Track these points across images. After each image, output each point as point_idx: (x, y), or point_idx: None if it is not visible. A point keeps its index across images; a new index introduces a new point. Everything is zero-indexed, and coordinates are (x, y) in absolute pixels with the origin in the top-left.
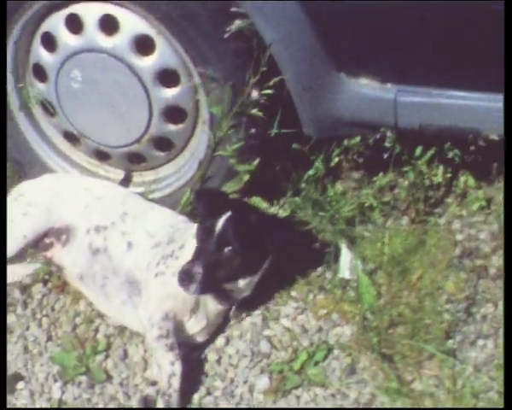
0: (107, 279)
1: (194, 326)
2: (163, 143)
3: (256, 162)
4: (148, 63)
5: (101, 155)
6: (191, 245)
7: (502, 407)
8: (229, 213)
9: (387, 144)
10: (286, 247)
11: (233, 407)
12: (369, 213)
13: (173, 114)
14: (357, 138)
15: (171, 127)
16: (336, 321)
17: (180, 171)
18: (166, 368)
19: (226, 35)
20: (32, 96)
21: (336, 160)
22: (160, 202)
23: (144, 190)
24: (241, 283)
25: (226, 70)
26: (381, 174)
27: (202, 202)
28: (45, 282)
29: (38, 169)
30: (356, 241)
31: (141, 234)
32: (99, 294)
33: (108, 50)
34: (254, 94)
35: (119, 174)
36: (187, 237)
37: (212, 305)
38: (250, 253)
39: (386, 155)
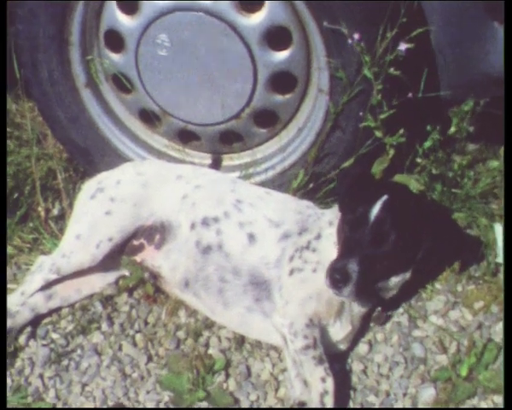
0: (226, 282)
1: (339, 332)
2: (266, 118)
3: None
4: (254, 21)
5: (187, 137)
6: (329, 235)
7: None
8: (385, 198)
9: None
10: (445, 239)
11: None
12: (500, 188)
13: (281, 81)
14: (471, 103)
15: (278, 98)
16: (498, 315)
17: (285, 150)
18: (317, 385)
19: None
20: (102, 69)
21: (453, 129)
22: None
23: (238, 176)
24: (394, 280)
25: (357, 23)
26: None
27: (348, 185)
28: (131, 291)
29: (112, 158)
30: (495, 219)
31: (263, 224)
32: (215, 301)
33: (206, 8)
34: (402, 47)
35: (205, 158)
36: (322, 225)
37: (357, 307)
38: (406, 245)
39: None
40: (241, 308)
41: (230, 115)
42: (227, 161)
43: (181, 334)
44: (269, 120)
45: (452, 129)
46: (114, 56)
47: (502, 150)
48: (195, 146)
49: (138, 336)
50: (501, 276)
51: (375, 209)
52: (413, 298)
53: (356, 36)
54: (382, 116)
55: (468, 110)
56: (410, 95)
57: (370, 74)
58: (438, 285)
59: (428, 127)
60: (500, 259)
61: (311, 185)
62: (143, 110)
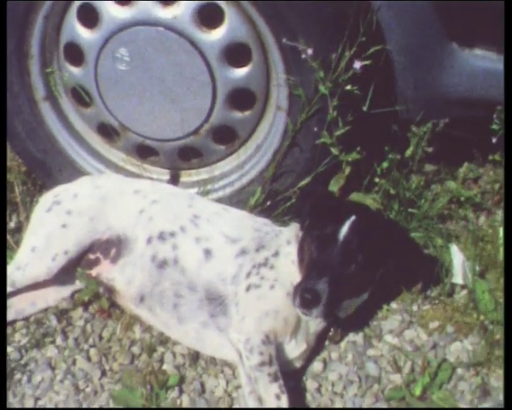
0: (181, 298)
1: (294, 350)
2: (224, 135)
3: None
4: (214, 37)
5: (145, 152)
6: (288, 254)
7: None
8: (353, 219)
9: (495, 127)
10: (404, 259)
11: None
12: (457, 209)
13: (240, 98)
14: (429, 124)
15: (237, 115)
16: (452, 335)
17: (243, 167)
18: (272, 402)
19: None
20: (61, 82)
21: (411, 149)
22: None
23: (196, 192)
24: (353, 300)
25: (314, 41)
26: (465, 164)
27: (311, 204)
28: (86, 306)
29: (70, 171)
30: (451, 240)
31: (220, 240)
32: (170, 316)
33: (166, 23)
34: (357, 65)
35: (164, 174)
36: (280, 243)
37: (312, 325)
38: (372, 266)
39: (494, 139)
40: (196, 324)
41: (189, 131)
42: (185, 176)
43: (135, 349)
44: (227, 136)
45: (410, 149)
46: (74, 69)
47: (459, 171)
48: (154, 161)
49: (92, 351)
50: (456, 296)
51: (344, 230)
52: (368, 317)
53: (309, 51)
54: (338, 133)
55: (426, 131)
56: (364, 108)
57: (325, 90)
58: (393, 305)
59: (386, 148)
60: (456, 279)
61: (268, 203)
62: (102, 124)
